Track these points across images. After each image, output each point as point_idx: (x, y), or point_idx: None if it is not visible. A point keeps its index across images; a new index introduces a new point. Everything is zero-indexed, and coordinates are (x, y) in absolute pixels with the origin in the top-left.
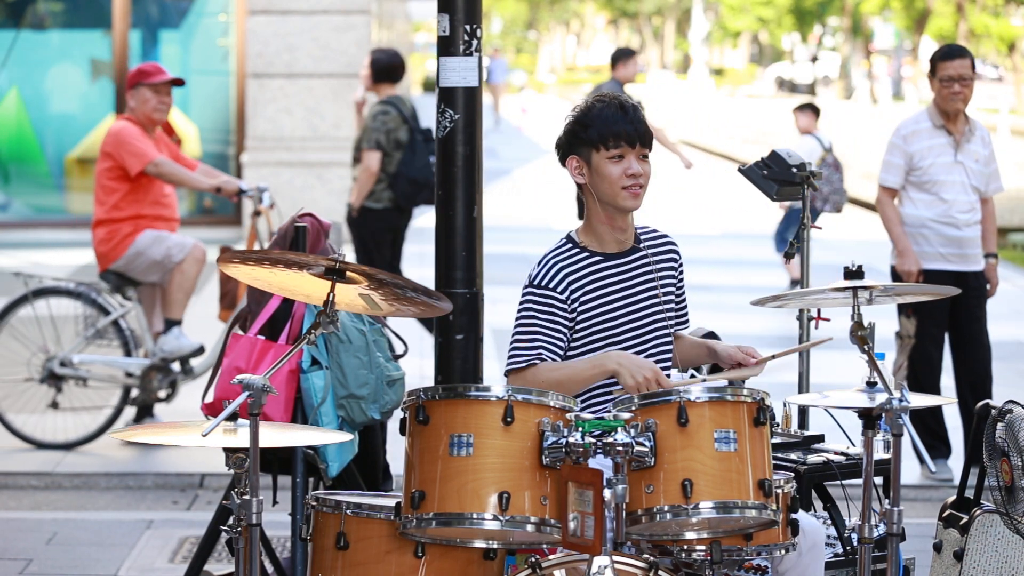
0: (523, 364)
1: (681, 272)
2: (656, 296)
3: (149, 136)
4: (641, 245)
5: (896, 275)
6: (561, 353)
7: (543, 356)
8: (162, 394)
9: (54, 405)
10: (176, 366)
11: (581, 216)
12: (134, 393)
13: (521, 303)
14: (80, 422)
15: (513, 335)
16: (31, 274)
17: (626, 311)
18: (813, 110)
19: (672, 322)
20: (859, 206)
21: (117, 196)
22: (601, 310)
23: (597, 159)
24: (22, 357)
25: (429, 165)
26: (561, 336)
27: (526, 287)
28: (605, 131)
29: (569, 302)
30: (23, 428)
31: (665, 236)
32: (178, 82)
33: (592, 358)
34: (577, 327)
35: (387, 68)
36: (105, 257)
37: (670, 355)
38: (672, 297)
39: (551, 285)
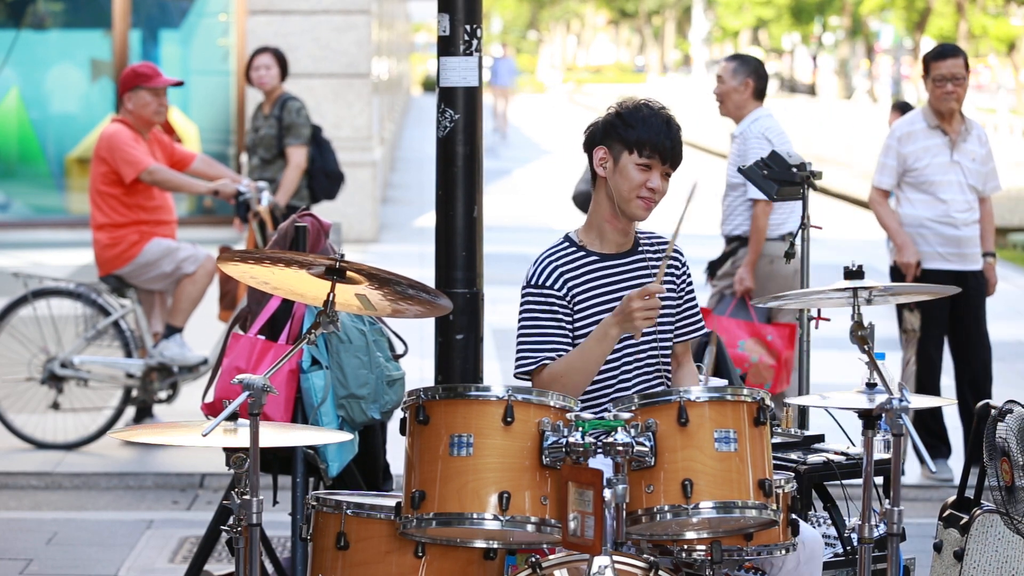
0: (533, 366)
1: (684, 279)
2: None
3: (142, 139)
4: (640, 248)
5: (897, 273)
6: (569, 349)
7: (552, 357)
8: (163, 395)
9: (55, 406)
10: (176, 367)
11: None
12: (135, 394)
13: (522, 305)
14: (80, 422)
15: (518, 338)
16: (31, 274)
17: None
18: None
19: (672, 327)
20: (859, 206)
21: (115, 200)
22: (597, 310)
23: (626, 160)
24: (23, 357)
25: (336, 158)
26: (565, 333)
27: (524, 288)
28: (645, 138)
29: (568, 300)
30: (23, 428)
31: (668, 243)
32: (177, 84)
33: (593, 334)
34: (576, 326)
35: (286, 63)
36: (109, 263)
37: (668, 361)
38: (671, 302)
39: (548, 283)
